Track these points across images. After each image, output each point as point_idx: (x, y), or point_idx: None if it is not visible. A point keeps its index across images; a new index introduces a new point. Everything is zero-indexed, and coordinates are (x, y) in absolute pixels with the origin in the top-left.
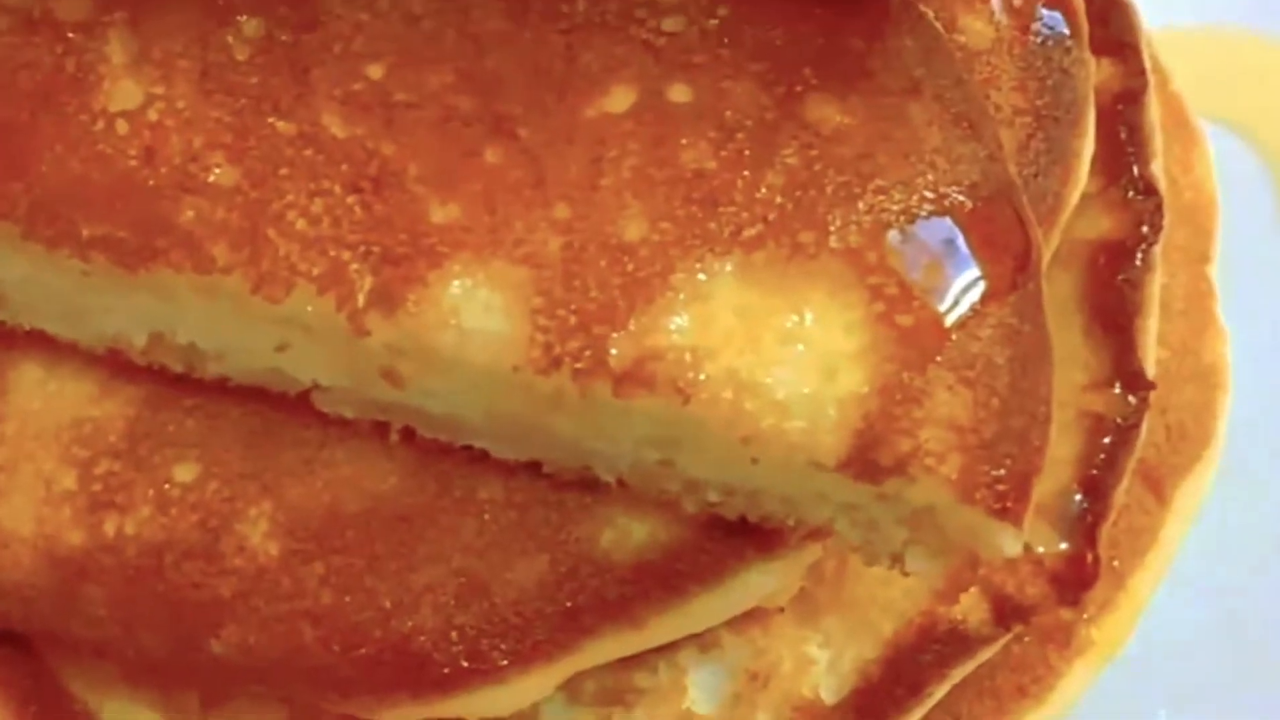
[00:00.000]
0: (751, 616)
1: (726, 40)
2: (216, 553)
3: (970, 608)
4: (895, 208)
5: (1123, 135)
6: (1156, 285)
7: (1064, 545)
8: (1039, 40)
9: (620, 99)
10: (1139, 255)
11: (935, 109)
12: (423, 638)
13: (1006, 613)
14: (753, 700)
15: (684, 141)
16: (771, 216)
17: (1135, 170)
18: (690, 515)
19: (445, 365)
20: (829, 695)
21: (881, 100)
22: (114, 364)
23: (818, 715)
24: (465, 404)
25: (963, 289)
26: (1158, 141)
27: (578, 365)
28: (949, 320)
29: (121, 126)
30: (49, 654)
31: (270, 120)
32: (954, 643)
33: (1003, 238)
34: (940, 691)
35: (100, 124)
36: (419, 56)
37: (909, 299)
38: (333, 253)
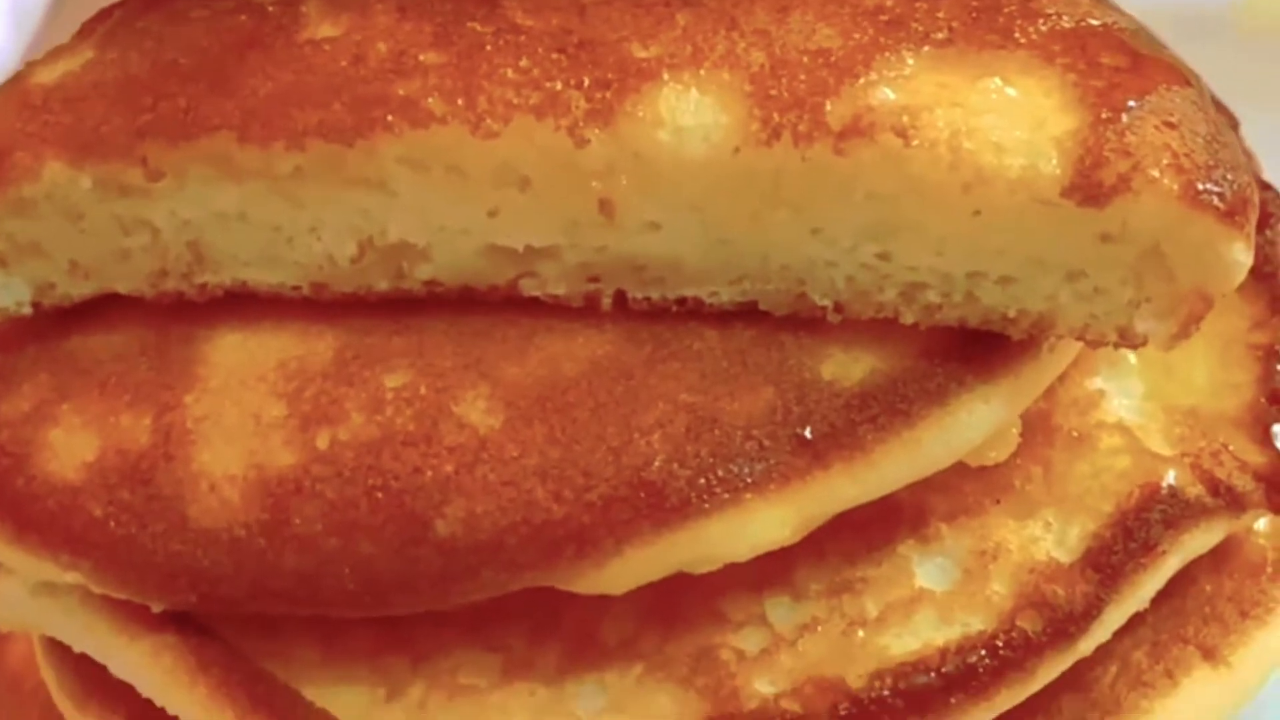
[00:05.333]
0: (968, 511)
1: None
2: (435, 436)
3: (1187, 483)
4: (1067, 24)
5: None
6: None
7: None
8: None
9: None
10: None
11: None
12: (656, 467)
13: (1220, 493)
14: (985, 573)
15: None
16: (955, 25)
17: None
18: (909, 347)
19: (663, 173)
20: (1064, 556)
21: None
22: (313, 310)
23: (1056, 573)
24: (681, 230)
25: (1143, 71)
26: None
27: (799, 128)
28: (1142, 85)
29: (327, 45)
30: (243, 642)
31: (469, 24)
32: (1178, 506)
33: (1166, 59)
34: (1173, 559)
35: (307, 48)
36: None
37: (1099, 70)
38: (547, 85)
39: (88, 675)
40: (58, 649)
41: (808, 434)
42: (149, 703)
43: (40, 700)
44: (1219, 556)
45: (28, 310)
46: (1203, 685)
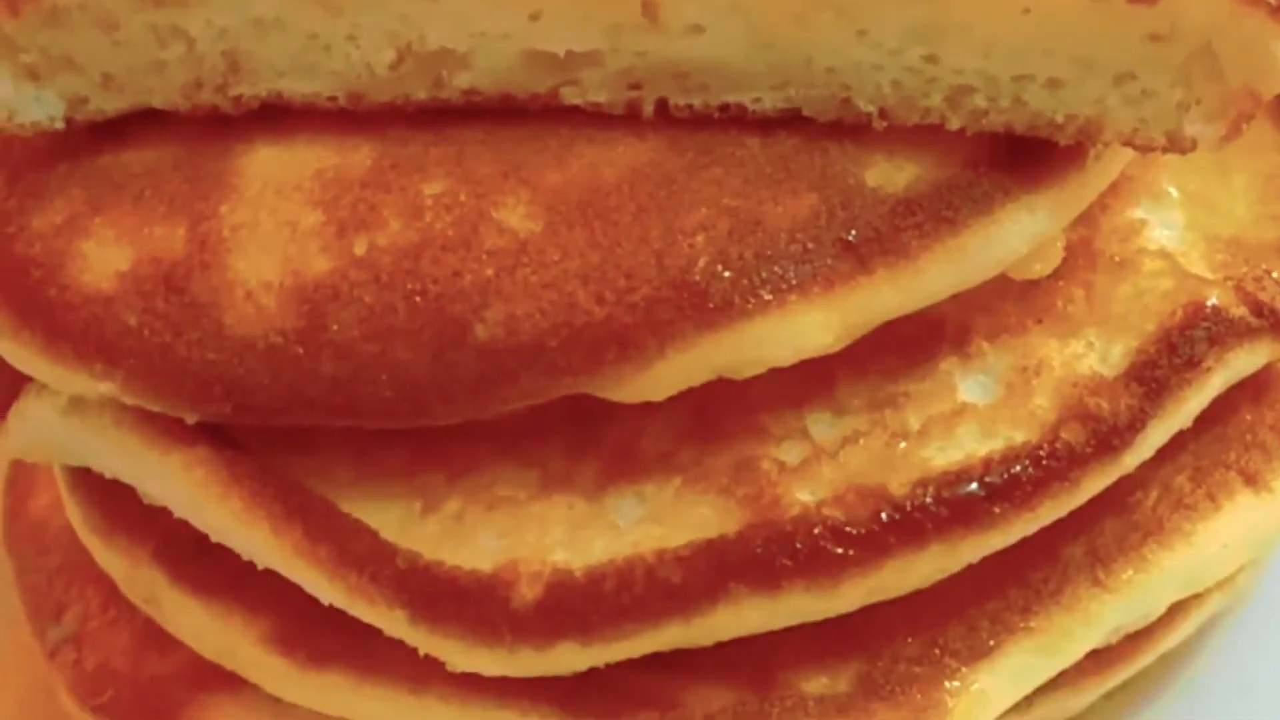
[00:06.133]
0: (1010, 330)
1: None
2: (475, 240)
3: (1230, 304)
4: None
5: None
6: None
7: None
8: None
9: None
10: None
11: None
12: (700, 267)
13: (1264, 314)
14: (1028, 387)
15: None
16: None
17: None
18: (954, 155)
19: None
20: (1107, 371)
21: None
22: (350, 122)
23: (1100, 386)
24: (725, 34)
25: None
26: None
27: None
28: None
29: None
30: (277, 459)
31: None
32: (1222, 324)
33: None
34: (1217, 378)
35: None
36: None
37: None
38: None
39: (114, 509)
40: (83, 484)
41: (851, 238)
42: (177, 533)
43: (63, 544)
44: (1260, 387)
45: (60, 125)
46: (1244, 509)
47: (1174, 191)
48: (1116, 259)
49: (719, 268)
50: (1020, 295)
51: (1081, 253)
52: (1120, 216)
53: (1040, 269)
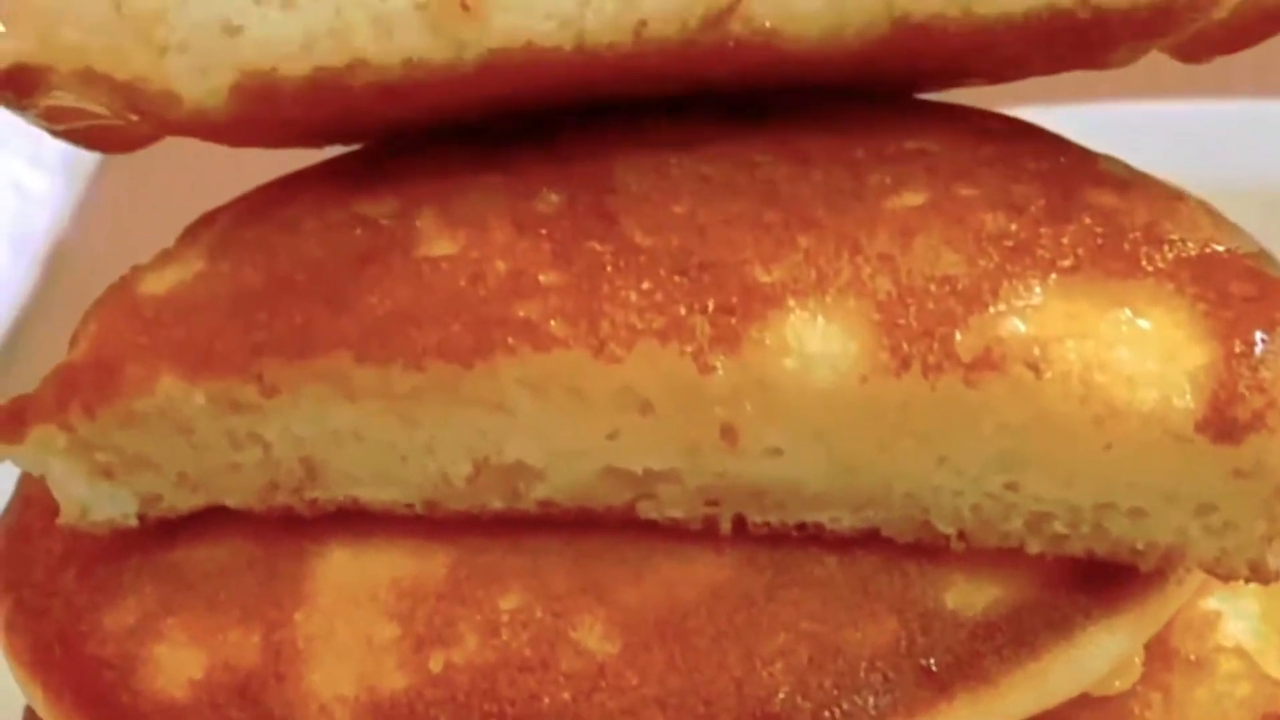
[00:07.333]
0: None
1: (999, 162)
2: (553, 661)
3: None
4: (1193, 250)
5: None
6: None
7: None
8: None
9: (913, 198)
10: None
11: (1202, 208)
12: (780, 699)
13: None
14: None
15: (983, 216)
16: (1081, 252)
17: None
18: (1034, 575)
19: (789, 401)
20: None
21: (1155, 196)
22: (425, 527)
23: None
24: (804, 458)
25: (1273, 299)
26: None
27: (928, 359)
28: (1273, 314)
29: (445, 264)
30: None
31: (587, 243)
32: None
33: None
34: None
35: (425, 266)
36: (717, 196)
37: (1229, 300)
38: (670, 310)
39: None
40: None
41: (932, 665)
42: None
43: None
44: None
45: (133, 522)
46: None
47: None
48: (1193, 658)
49: (799, 699)
50: (1098, 701)
51: (1158, 652)
52: (1194, 609)
53: (1120, 685)
